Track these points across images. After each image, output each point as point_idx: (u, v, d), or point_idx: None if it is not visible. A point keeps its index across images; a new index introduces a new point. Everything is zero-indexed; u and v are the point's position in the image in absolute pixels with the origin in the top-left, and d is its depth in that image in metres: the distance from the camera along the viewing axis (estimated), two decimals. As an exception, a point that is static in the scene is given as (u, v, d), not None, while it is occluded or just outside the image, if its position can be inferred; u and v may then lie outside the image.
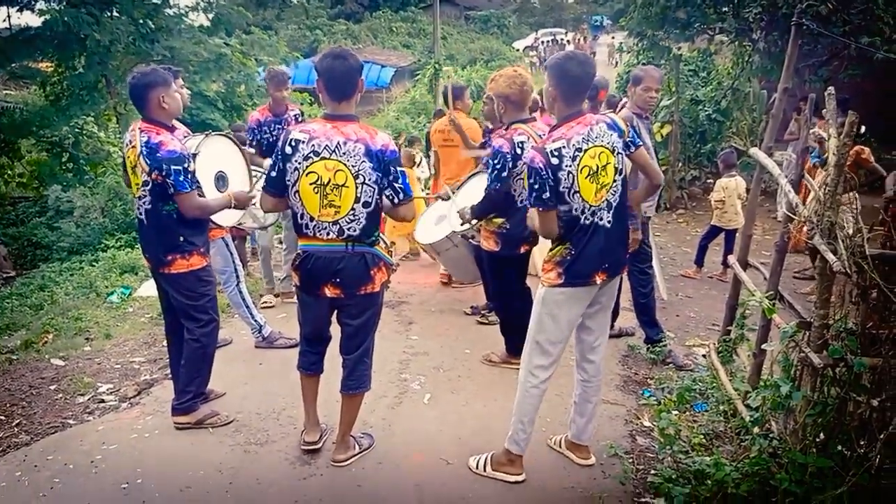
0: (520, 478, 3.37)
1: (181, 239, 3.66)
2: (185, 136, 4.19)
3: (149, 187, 3.57)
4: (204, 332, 3.82)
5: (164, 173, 3.46)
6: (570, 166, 2.99)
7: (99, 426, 3.99)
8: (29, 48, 12.51)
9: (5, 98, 15.35)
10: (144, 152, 3.50)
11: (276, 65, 15.87)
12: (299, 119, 5.78)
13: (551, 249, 3.20)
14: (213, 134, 4.25)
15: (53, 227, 10.88)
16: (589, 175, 3.01)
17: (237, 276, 4.97)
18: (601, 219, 3.09)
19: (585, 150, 3.00)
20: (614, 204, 3.11)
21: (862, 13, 9.25)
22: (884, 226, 2.74)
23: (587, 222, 3.07)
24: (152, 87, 3.57)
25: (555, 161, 2.98)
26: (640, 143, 3.27)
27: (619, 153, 3.10)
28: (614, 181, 3.09)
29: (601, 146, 3.04)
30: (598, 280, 3.15)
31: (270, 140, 5.55)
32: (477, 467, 3.45)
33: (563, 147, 2.99)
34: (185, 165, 3.51)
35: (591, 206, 3.05)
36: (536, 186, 3.02)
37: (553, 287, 3.17)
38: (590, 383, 3.43)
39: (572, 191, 3.01)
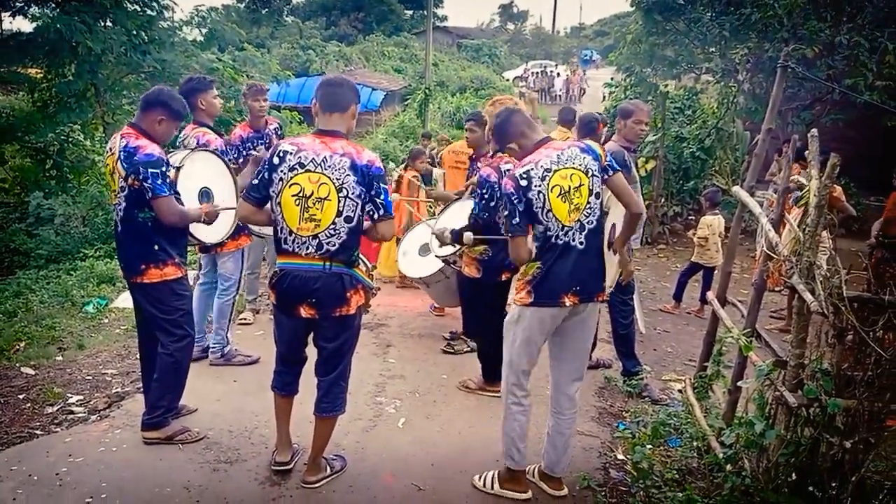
0: (527, 495, 3.37)
1: (156, 247, 3.62)
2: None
3: (125, 193, 3.55)
4: (178, 347, 3.76)
5: (141, 177, 3.43)
6: (540, 186, 3.09)
7: (66, 438, 3.91)
8: (20, 54, 12.41)
9: (-9, 102, 15.21)
10: (122, 157, 3.49)
11: (267, 83, 15.94)
12: (279, 133, 5.80)
13: (525, 268, 3.24)
14: (199, 149, 4.23)
15: (33, 233, 10.70)
16: (561, 194, 3.09)
17: (237, 288, 4.99)
18: (573, 239, 3.14)
19: (555, 171, 3.10)
20: (588, 227, 3.16)
21: (846, 58, 9.45)
22: (867, 270, 2.76)
23: (559, 242, 3.13)
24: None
25: (524, 183, 3.10)
26: (618, 169, 3.30)
27: (594, 176, 3.16)
28: (588, 203, 3.15)
29: (573, 168, 3.13)
30: (568, 302, 3.16)
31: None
32: (484, 485, 3.46)
33: (532, 169, 3.11)
34: (163, 169, 3.50)
35: (563, 225, 3.12)
36: (507, 213, 3.17)
37: (522, 306, 3.21)
38: (563, 416, 3.42)
39: (545, 210, 3.10)
